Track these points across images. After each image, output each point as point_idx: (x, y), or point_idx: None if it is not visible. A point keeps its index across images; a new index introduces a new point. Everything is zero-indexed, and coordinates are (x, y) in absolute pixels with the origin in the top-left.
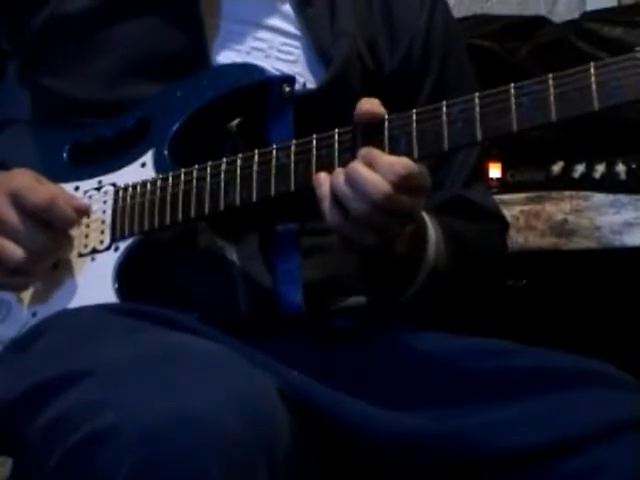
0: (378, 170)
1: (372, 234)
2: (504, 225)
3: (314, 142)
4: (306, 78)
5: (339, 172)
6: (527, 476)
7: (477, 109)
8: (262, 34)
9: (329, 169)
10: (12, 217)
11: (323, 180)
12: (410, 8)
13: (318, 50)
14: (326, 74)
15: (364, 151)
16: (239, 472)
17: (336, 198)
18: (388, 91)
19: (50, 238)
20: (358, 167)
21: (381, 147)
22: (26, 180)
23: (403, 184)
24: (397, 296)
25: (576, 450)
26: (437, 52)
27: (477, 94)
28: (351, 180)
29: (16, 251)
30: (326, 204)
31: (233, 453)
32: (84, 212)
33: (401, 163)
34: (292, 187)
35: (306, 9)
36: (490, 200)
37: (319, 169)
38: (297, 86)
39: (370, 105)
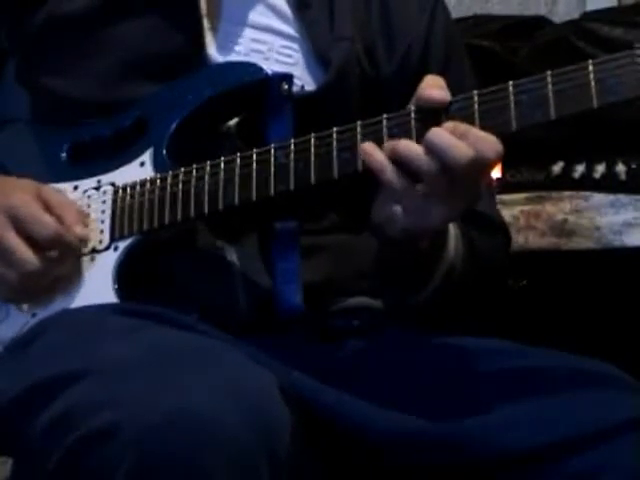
0: (470, 142)
1: (438, 205)
2: (507, 239)
3: (312, 141)
4: (305, 81)
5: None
6: (527, 476)
7: (476, 107)
8: (261, 36)
9: (328, 168)
10: (11, 240)
11: (371, 149)
12: (409, 13)
13: (317, 53)
14: (325, 77)
15: (452, 124)
16: (240, 470)
17: (401, 162)
18: (386, 95)
19: (47, 263)
20: (439, 130)
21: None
22: (27, 202)
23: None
24: (414, 295)
25: (576, 450)
26: (437, 59)
27: (476, 92)
28: (431, 144)
29: (14, 276)
30: (388, 171)
31: (234, 451)
32: (86, 241)
33: (493, 142)
34: (292, 186)
35: (305, 12)
36: (495, 210)
37: (318, 168)
38: (295, 89)
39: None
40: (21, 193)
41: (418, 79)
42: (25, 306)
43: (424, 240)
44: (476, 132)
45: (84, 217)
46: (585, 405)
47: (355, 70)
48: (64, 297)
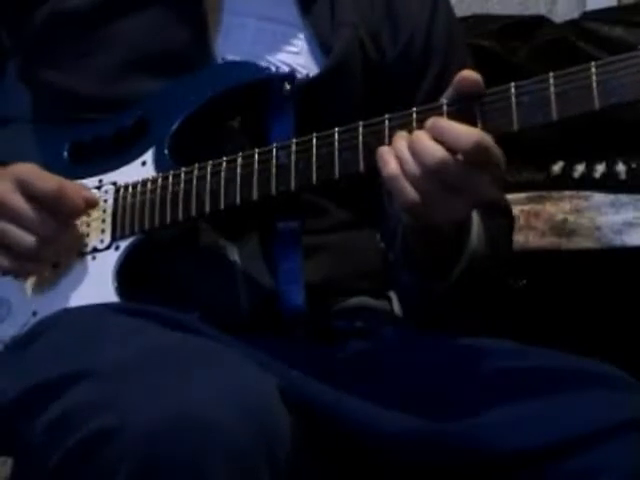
0: (444, 140)
1: (436, 210)
2: (511, 220)
3: (314, 141)
4: (309, 69)
5: (404, 146)
6: (527, 476)
7: (477, 107)
8: (264, 26)
9: (330, 168)
10: (20, 203)
11: (387, 156)
12: (411, 2)
13: (320, 40)
14: (327, 62)
15: (430, 121)
16: (240, 471)
17: (406, 173)
18: (389, 83)
19: (57, 225)
20: (420, 135)
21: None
22: (30, 167)
23: (471, 156)
24: (438, 281)
25: (576, 450)
26: (439, 49)
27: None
28: (412, 147)
29: (25, 238)
30: (398, 181)
31: (234, 452)
32: (93, 203)
33: (469, 134)
34: (293, 186)
35: (307, 0)
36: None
37: (319, 168)
38: (299, 76)
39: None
40: (23, 165)
41: (420, 68)
42: (33, 294)
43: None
44: (450, 127)
45: (88, 189)
46: (585, 405)
47: (358, 55)
48: (65, 296)
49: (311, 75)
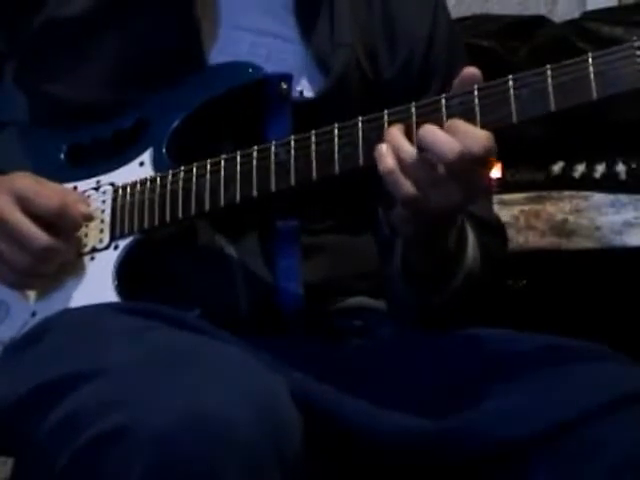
0: (459, 138)
1: (436, 202)
2: (504, 240)
3: (313, 137)
4: (303, 86)
5: (401, 139)
6: (529, 456)
7: (476, 101)
8: (261, 40)
9: (329, 164)
10: (19, 219)
11: (385, 151)
12: (411, 16)
13: (317, 59)
14: (324, 84)
15: (450, 122)
16: (252, 471)
17: (404, 167)
18: (387, 100)
19: (55, 240)
20: (431, 127)
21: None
22: (29, 183)
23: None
24: (435, 295)
25: (577, 427)
26: (439, 61)
27: (476, 86)
28: (422, 140)
29: (23, 257)
30: (395, 175)
31: (246, 452)
32: (88, 219)
33: (486, 135)
34: (292, 182)
35: (306, 17)
36: (491, 212)
37: (319, 164)
38: (294, 94)
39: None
40: (22, 178)
41: (420, 82)
42: (31, 295)
43: (449, 239)
44: (466, 128)
45: (85, 199)
46: (584, 381)
47: (355, 75)
48: (64, 296)
49: (305, 92)
